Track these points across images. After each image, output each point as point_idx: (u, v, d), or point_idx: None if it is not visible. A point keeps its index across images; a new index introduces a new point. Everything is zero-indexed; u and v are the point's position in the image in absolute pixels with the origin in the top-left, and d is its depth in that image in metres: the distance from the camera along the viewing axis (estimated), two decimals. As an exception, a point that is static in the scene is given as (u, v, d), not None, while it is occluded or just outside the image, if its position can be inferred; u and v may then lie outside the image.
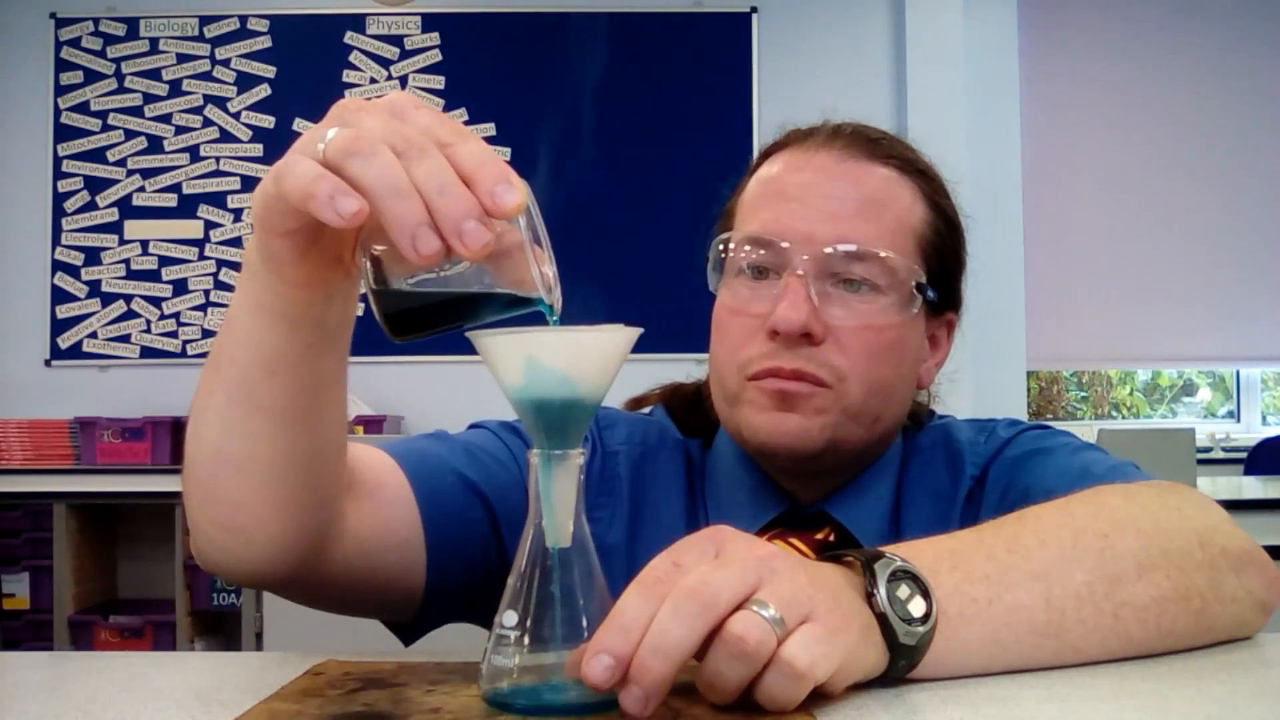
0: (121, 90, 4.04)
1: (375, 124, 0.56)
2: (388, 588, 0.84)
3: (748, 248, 0.92)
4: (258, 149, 4.03)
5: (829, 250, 0.88)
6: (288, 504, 0.71)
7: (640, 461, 0.99)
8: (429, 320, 0.59)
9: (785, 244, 0.89)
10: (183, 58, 4.05)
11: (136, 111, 4.03)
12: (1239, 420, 4.52)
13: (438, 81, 4.06)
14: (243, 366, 0.67)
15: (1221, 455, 4.09)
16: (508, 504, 0.88)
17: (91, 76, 4.03)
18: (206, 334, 4.00)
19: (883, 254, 0.89)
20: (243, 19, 4.05)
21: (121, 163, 4.02)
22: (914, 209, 0.93)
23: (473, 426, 0.97)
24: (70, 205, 4.02)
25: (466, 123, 3.84)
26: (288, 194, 0.56)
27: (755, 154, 1.00)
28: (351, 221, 0.54)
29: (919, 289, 0.91)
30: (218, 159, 4.03)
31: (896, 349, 0.91)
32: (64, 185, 4.02)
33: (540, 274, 0.58)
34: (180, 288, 4.01)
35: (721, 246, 0.94)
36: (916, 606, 0.61)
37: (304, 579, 0.77)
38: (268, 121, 4.03)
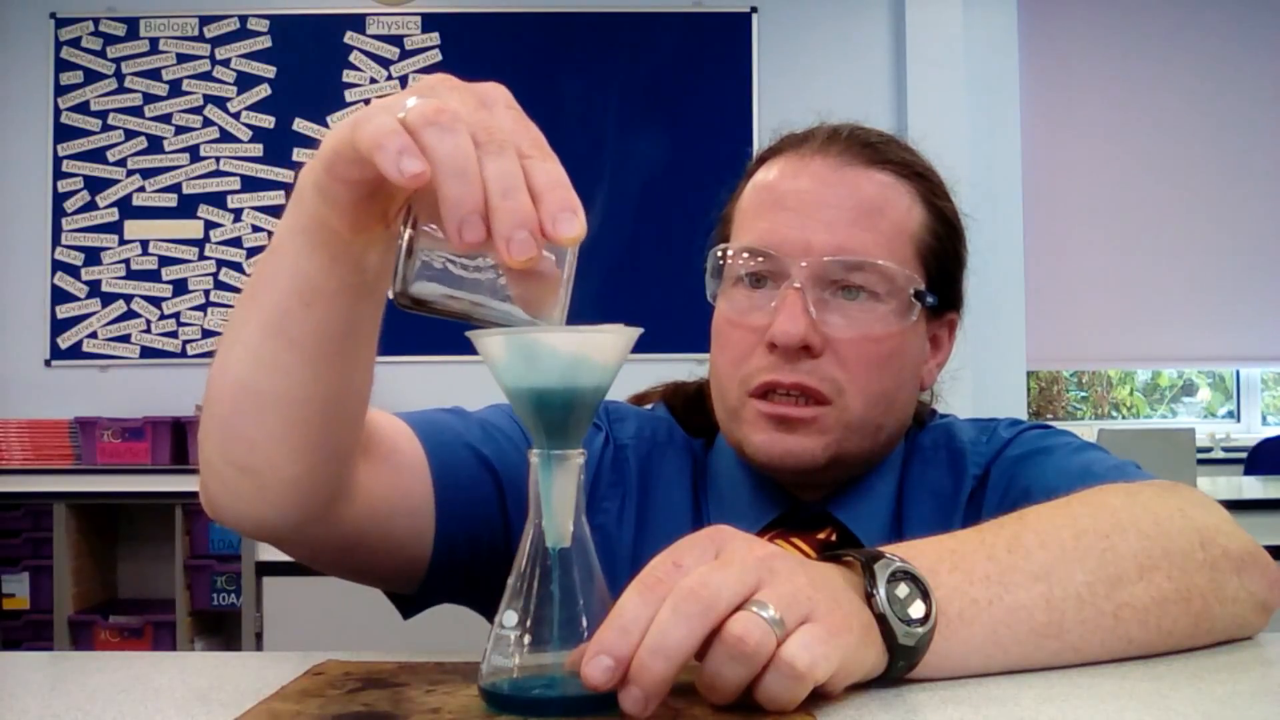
0: (121, 90, 4.03)
1: (463, 108, 0.56)
2: (394, 554, 0.84)
3: (745, 256, 0.92)
4: (258, 149, 4.02)
5: (826, 260, 0.88)
6: (305, 449, 0.71)
7: (649, 457, 0.99)
8: (440, 306, 0.60)
9: (782, 255, 0.89)
10: (183, 58, 4.05)
11: (136, 111, 4.03)
12: (1239, 420, 4.52)
13: (438, 81, 4.05)
14: (281, 294, 0.67)
15: (1221, 455, 4.09)
16: (518, 483, 0.88)
17: (91, 76, 4.03)
18: (207, 334, 4.00)
19: (880, 263, 0.89)
20: (243, 19, 4.05)
21: (121, 163, 4.02)
22: (912, 213, 0.93)
23: (489, 407, 0.97)
24: (70, 205, 4.01)
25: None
26: (359, 141, 0.56)
27: (753, 156, 1.00)
28: (411, 182, 0.54)
29: (917, 296, 0.91)
30: (218, 159, 4.03)
31: (896, 357, 0.91)
32: (64, 185, 4.01)
33: (564, 307, 0.58)
34: (180, 288, 4.01)
35: (720, 254, 0.94)
36: (916, 608, 0.61)
37: (311, 534, 0.77)
38: (268, 121, 4.02)
